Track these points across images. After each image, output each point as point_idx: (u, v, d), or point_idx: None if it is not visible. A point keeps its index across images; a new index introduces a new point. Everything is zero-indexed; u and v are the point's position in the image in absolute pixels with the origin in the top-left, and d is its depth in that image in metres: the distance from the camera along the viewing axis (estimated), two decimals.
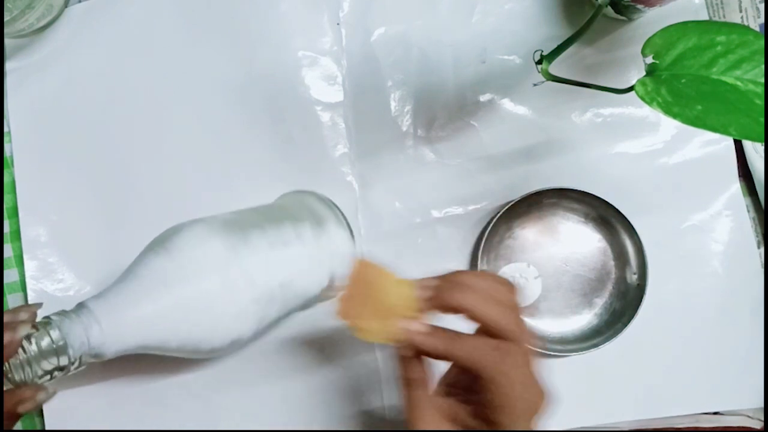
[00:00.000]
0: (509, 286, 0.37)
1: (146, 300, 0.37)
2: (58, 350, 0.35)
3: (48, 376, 0.35)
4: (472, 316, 0.35)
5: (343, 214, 0.48)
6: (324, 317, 0.50)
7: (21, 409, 0.35)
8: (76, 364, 0.36)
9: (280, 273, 0.41)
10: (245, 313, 0.39)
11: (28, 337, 0.34)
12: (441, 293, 0.36)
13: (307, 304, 0.46)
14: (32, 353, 0.34)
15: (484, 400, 0.35)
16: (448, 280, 0.37)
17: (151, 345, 0.38)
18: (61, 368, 0.35)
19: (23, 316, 0.36)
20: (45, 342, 0.34)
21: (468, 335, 0.36)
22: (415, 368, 0.36)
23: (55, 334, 0.35)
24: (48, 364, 0.35)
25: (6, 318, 0.36)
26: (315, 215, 0.47)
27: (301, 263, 0.43)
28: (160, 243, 0.40)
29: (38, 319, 0.36)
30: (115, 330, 0.36)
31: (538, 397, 0.36)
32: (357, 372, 0.51)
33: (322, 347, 0.51)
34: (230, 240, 0.39)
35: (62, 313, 0.37)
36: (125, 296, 0.37)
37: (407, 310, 0.36)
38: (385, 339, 0.36)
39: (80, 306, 0.37)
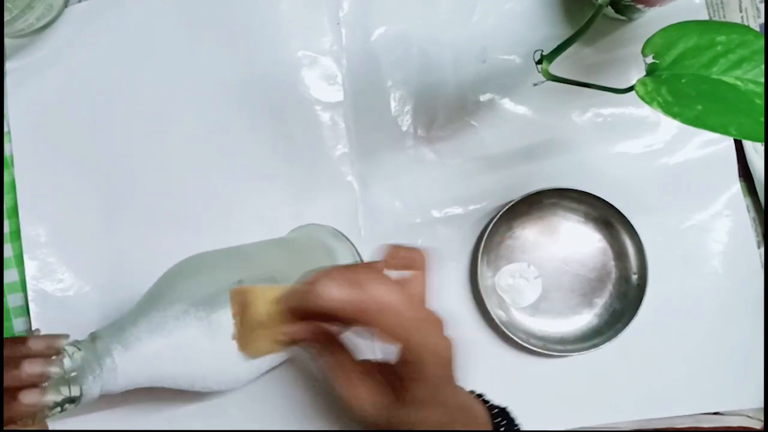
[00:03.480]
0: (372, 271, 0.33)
1: (161, 334, 0.36)
2: (71, 381, 0.33)
3: (58, 408, 0.34)
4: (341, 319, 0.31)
5: (353, 245, 0.48)
6: None
7: None
8: (88, 396, 0.34)
9: None
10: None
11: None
12: (299, 301, 0.32)
13: None
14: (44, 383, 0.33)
15: (396, 372, 0.32)
16: (306, 284, 0.32)
17: (162, 379, 0.37)
18: (71, 400, 0.34)
19: (40, 345, 0.35)
20: (56, 371, 0.33)
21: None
22: (314, 336, 0.33)
23: (68, 364, 0.33)
24: (58, 395, 0.33)
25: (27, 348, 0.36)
26: (326, 248, 0.47)
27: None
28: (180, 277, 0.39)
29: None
30: (128, 364, 0.35)
31: (438, 337, 0.32)
32: None
33: None
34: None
35: (76, 343, 0.35)
36: (141, 329, 0.36)
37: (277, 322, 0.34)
38: (276, 340, 0.34)
39: (94, 337, 0.36)
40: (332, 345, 0.34)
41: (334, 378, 0.34)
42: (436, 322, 0.32)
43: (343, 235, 0.49)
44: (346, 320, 0.31)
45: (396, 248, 0.35)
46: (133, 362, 0.35)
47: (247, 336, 0.36)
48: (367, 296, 0.30)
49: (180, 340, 0.36)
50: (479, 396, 0.39)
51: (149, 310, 0.37)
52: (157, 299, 0.37)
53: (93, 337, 0.36)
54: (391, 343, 0.31)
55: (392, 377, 0.33)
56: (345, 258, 0.48)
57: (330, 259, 0.46)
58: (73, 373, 0.33)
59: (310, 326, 0.33)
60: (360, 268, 0.34)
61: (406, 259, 0.35)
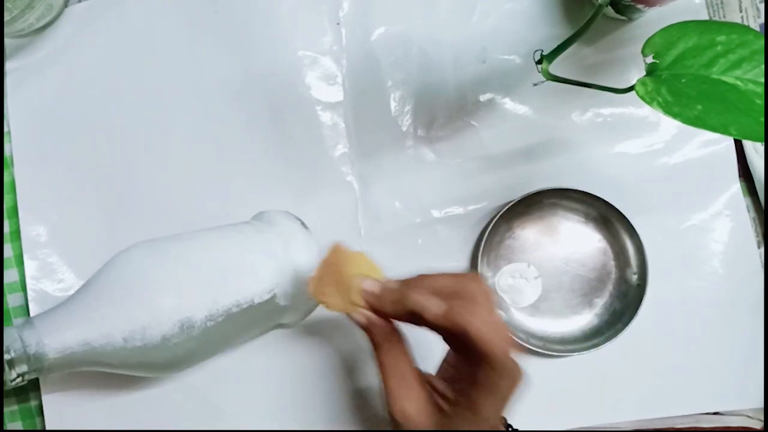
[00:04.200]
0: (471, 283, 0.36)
1: (80, 301, 0.41)
2: (9, 363, 0.38)
3: (19, 379, 0.39)
4: (428, 318, 0.35)
5: (301, 221, 0.49)
6: (323, 318, 0.50)
7: None
8: (24, 368, 0.38)
9: (212, 263, 0.43)
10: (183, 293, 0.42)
11: None
12: (401, 293, 0.36)
13: (257, 318, 0.46)
14: None
15: (470, 374, 0.34)
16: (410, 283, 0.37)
17: (94, 340, 0.39)
18: (20, 375, 0.38)
19: None
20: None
21: (422, 287, 0.36)
22: (380, 331, 0.37)
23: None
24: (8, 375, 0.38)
25: None
26: (264, 218, 0.49)
27: (241, 255, 0.45)
28: (106, 266, 0.44)
29: None
30: (48, 325, 0.39)
31: (515, 367, 0.35)
32: (359, 373, 0.51)
33: (323, 346, 0.51)
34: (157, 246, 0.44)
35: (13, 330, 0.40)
36: (63, 304, 0.41)
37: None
38: (346, 308, 0.38)
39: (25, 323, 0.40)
40: (397, 346, 0.37)
41: (388, 376, 0.36)
42: (516, 347, 0.35)
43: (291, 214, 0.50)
44: (441, 329, 0.34)
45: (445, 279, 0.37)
46: (54, 322, 0.40)
47: (323, 286, 0.40)
48: (470, 314, 0.33)
49: (104, 301, 0.41)
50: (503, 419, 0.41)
51: (74, 295, 0.42)
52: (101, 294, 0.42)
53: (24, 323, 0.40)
54: (478, 351, 0.33)
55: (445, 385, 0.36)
56: (284, 221, 0.48)
57: (266, 224, 0.48)
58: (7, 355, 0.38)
59: (386, 326, 0.37)
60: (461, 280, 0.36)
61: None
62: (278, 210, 0.50)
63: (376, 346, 0.37)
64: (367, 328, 0.37)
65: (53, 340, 0.39)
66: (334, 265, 0.40)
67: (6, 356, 0.37)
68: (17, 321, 0.41)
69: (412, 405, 0.34)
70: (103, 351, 0.40)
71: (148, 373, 0.46)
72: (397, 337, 0.37)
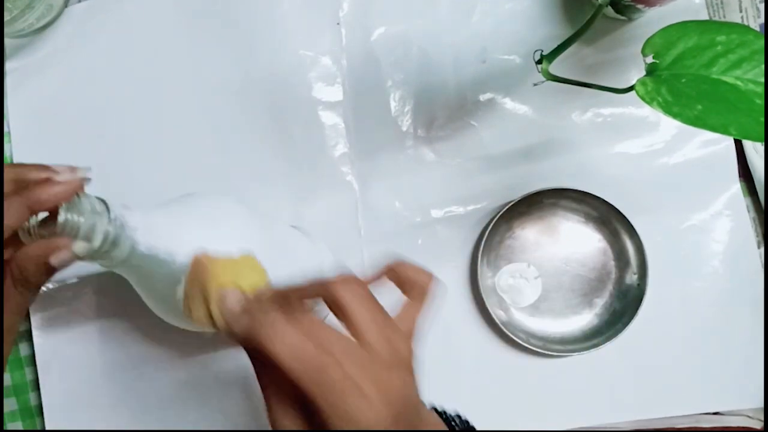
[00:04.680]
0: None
1: (180, 214, 0.39)
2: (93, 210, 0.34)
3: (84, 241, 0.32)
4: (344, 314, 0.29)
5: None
6: None
7: (55, 259, 0.31)
8: (106, 233, 0.33)
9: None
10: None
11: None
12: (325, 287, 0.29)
13: None
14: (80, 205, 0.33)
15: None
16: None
17: (163, 249, 0.35)
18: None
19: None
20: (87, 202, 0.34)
21: (286, 325, 0.28)
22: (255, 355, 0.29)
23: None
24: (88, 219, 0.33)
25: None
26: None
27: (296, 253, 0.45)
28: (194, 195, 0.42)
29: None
30: (147, 220, 0.37)
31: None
32: None
33: None
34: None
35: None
36: (158, 209, 0.39)
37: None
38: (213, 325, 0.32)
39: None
40: (269, 367, 0.28)
41: (265, 397, 0.29)
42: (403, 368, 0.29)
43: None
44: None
45: (403, 266, 0.33)
46: (150, 217, 0.37)
47: (193, 302, 0.34)
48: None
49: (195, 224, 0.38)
50: (443, 413, 0.36)
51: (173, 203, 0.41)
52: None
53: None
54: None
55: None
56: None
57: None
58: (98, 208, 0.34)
59: (244, 315, 0.29)
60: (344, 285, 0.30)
61: (411, 281, 0.33)
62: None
63: (252, 362, 0.30)
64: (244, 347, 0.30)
65: (139, 228, 0.35)
66: (198, 278, 0.34)
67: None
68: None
69: (288, 423, 0.28)
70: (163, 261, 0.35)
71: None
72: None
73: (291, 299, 0.30)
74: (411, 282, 0.33)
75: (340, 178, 0.52)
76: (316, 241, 0.50)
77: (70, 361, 0.52)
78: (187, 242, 0.36)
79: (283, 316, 0.28)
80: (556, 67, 0.42)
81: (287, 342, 0.27)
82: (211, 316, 0.32)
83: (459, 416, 0.38)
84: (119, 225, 0.34)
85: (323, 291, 0.29)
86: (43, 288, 0.52)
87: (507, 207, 0.49)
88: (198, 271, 0.34)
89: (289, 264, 0.42)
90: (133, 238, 0.35)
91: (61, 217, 0.32)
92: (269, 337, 0.27)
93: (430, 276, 0.33)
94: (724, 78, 0.36)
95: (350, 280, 0.30)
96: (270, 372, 0.28)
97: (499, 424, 0.50)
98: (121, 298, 0.52)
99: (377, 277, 0.33)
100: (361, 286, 0.30)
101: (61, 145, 0.54)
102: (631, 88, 0.38)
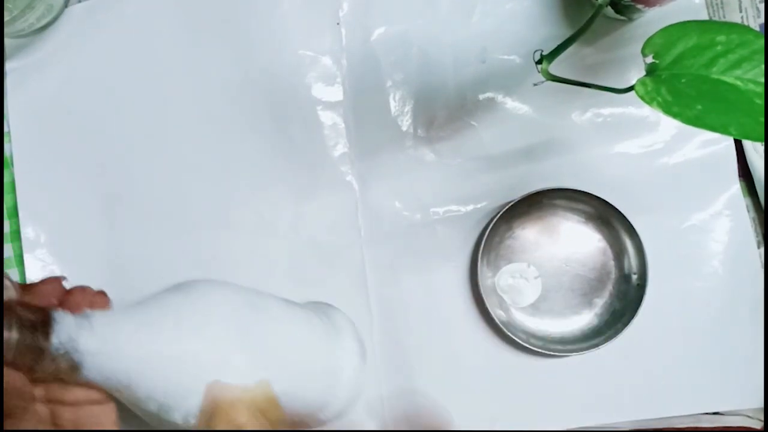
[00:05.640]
0: None
1: (147, 325, 0.34)
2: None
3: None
4: None
5: (360, 338, 0.45)
6: None
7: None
8: (56, 341, 0.31)
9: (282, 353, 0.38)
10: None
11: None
12: None
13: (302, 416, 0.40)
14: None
15: None
16: None
17: (134, 377, 0.33)
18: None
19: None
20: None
21: None
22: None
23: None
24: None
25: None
26: (332, 319, 0.45)
27: (305, 352, 0.40)
28: (180, 286, 0.38)
29: None
30: (106, 338, 0.33)
31: None
32: None
33: None
34: (245, 314, 0.38)
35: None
36: (127, 316, 0.35)
37: None
38: None
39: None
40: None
41: None
42: None
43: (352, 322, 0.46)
44: None
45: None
46: (112, 341, 0.33)
47: None
48: None
49: (167, 337, 0.34)
50: None
51: (143, 306, 0.36)
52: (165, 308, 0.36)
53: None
54: None
55: None
56: (348, 335, 0.44)
57: (332, 327, 0.43)
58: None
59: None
60: None
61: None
62: (344, 315, 0.47)
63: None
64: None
65: (100, 353, 0.32)
66: (212, 412, 0.33)
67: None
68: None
69: None
70: (132, 386, 0.34)
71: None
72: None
73: None
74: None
75: (340, 178, 0.52)
76: (337, 322, 0.45)
77: None
78: (160, 366, 0.33)
79: None
80: (556, 67, 0.42)
81: None
82: None
83: None
84: (68, 348, 0.31)
85: None
86: None
87: (507, 207, 0.49)
88: (212, 404, 0.33)
89: (294, 365, 0.39)
90: (82, 363, 0.32)
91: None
92: None
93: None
94: (724, 78, 0.36)
95: None
96: None
97: (499, 424, 0.50)
98: None
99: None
100: None
101: (61, 145, 0.54)
102: (631, 88, 0.38)
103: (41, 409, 0.33)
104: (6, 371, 0.28)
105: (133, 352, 0.33)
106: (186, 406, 0.34)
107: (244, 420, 0.33)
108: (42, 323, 0.30)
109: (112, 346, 0.33)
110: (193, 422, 0.34)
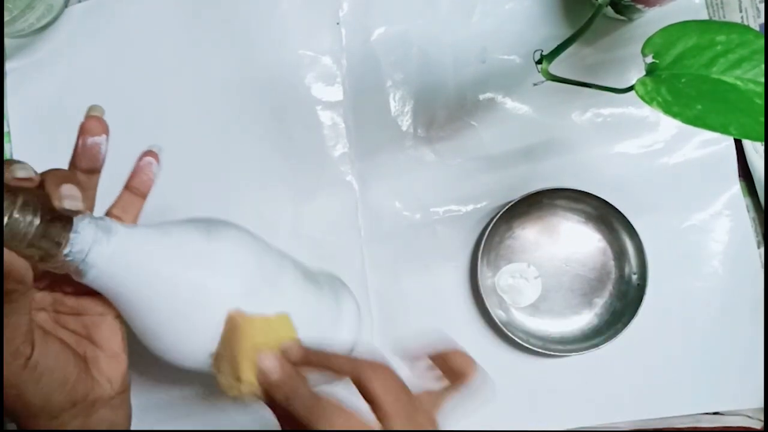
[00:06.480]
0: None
1: (166, 246, 0.33)
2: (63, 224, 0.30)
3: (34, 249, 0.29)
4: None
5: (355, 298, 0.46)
6: None
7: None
8: (67, 251, 0.29)
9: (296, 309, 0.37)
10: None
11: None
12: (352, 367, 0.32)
13: None
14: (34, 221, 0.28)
15: None
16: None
17: (151, 296, 0.32)
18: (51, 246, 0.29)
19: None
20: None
21: (311, 394, 0.32)
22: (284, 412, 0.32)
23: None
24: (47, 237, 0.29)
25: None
26: (335, 282, 0.45)
27: (315, 311, 0.40)
28: (205, 224, 0.36)
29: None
30: (122, 244, 0.31)
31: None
32: None
33: None
34: (266, 262, 0.37)
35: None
36: (149, 231, 0.33)
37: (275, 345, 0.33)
38: (248, 391, 0.33)
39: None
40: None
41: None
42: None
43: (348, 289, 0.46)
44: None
45: (452, 355, 0.36)
46: (128, 244, 0.32)
47: (222, 362, 0.33)
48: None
49: (181, 266, 0.33)
50: None
51: (166, 229, 0.34)
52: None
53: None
54: None
55: None
56: (346, 296, 0.45)
57: (337, 287, 0.44)
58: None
59: (287, 416, 0.32)
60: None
61: (456, 372, 0.35)
62: (335, 276, 0.47)
63: (283, 423, 0.33)
64: (271, 407, 0.33)
65: (114, 254, 0.31)
66: (231, 337, 0.33)
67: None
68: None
69: None
70: (141, 297, 0.33)
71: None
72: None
73: (314, 364, 0.33)
74: (456, 373, 0.35)
75: (340, 178, 0.52)
76: (336, 287, 0.45)
77: None
78: (175, 276, 0.32)
79: (324, 399, 0.31)
80: (556, 67, 0.42)
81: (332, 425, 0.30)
82: (239, 380, 0.32)
83: None
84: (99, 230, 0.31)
85: (352, 372, 0.31)
86: None
87: (507, 207, 0.49)
88: (231, 330, 0.33)
89: (298, 312, 0.38)
90: (86, 272, 0.31)
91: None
92: (311, 416, 0.30)
93: (475, 368, 0.36)
94: (724, 78, 0.36)
95: (381, 369, 0.32)
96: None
97: (499, 424, 0.50)
98: None
99: (421, 356, 0.35)
100: (391, 376, 0.32)
101: (61, 145, 0.54)
102: (631, 88, 0.38)
103: (40, 297, 0.33)
104: (11, 255, 0.28)
105: (153, 268, 0.32)
106: (204, 337, 0.33)
107: (262, 340, 0.33)
108: (63, 226, 0.29)
109: (128, 258, 0.32)
110: (209, 355, 0.33)
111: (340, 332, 0.42)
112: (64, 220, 0.30)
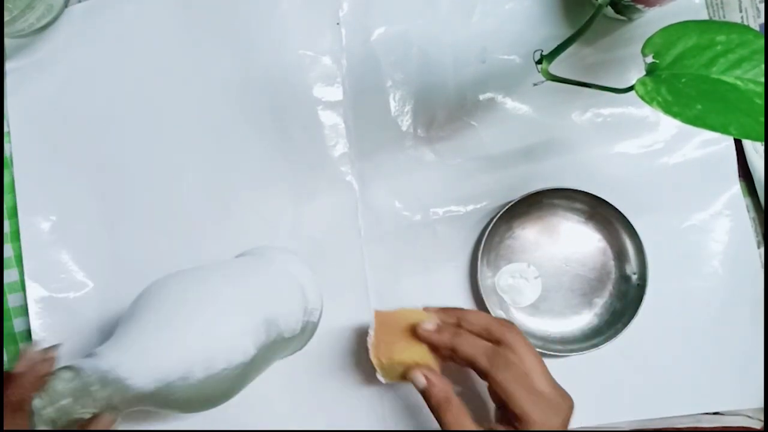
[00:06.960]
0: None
1: (157, 332, 0.36)
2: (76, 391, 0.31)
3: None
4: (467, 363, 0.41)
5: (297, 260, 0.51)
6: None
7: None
8: (101, 399, 0.32)
9: (263, 301, 0.43)
10: (245, 330, 0.40)
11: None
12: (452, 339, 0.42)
13: (287, 344, 0.46)
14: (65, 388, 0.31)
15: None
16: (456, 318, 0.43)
17: (176, 373, 0.35)
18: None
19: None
20: (64, 379, 0.31)
21: (469, 334, 0.42)
22: (439, 391, 0.41)
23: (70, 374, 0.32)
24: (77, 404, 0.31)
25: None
26: (266, 255, 0.50)
27: (276, 287, 0.45)
28: (146, 295, 0.39)
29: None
30: (137, 359, 0.34)
31: (556, 398, 0.41)
32: (358, 387, 0.51)
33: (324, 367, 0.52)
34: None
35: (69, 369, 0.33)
36: (136, 333, 0.36)
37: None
38: (404, 372, 0.42)
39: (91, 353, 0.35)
40: (456, 404, 0.40)
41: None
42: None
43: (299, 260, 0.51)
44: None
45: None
46: (141, 355, 0.35)
47: (379, 348, 0.42)
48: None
49: (179, 330, 0.37)
50: None
51: (136, 320, 0.37)
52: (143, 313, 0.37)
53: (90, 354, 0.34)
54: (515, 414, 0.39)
55: None
56: (292, 260, 0.50)
57: (281, 255, 0.49)
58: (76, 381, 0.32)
59: (444, 386, 0.41)
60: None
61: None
62: (273, 247, 0.52)
63: (436, 406, 0.40)
64: (426, 390, 0.41)
65: (139, 372, 0.34)
66: (384, 326, 0.43)
67: (73, 382, 0.31)
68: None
69: None
70: (180, 382, 0.36)
71: (192, 410, 0.41)
72: (454, 394, 0.41)
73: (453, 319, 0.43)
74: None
75: (340, 178, 0.52)
76: (285, 259, 0.50)
77: None
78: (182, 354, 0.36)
79: (470, 335, 0.42)
80: (556, 67, 0.42)
81: (478, 345, 0.41)
82: (393, 360, 0.42)
83: None
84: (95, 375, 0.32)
85: (491, 331, 0.42)
86: (44, 290, 0.52)
87: (507, 207, 0.49)
88: (379, 324, 0.43)
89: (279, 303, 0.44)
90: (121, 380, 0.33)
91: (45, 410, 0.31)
92: (465, 347, 0.41)
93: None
94: (724, 78, 0.36)
95: (515, 328, 0.42)
96: (457, 413, 0.40)
97: None
98: None
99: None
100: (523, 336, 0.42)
101: (61, 145, 0.54)
102: (631, 88, 0.38)
103: None
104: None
105: (165, 351, 0.36)
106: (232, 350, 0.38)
107: (405, 324, 0.43)
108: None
109: (145, 356, 0.35)
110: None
111: (309, 293, 0.48)
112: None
